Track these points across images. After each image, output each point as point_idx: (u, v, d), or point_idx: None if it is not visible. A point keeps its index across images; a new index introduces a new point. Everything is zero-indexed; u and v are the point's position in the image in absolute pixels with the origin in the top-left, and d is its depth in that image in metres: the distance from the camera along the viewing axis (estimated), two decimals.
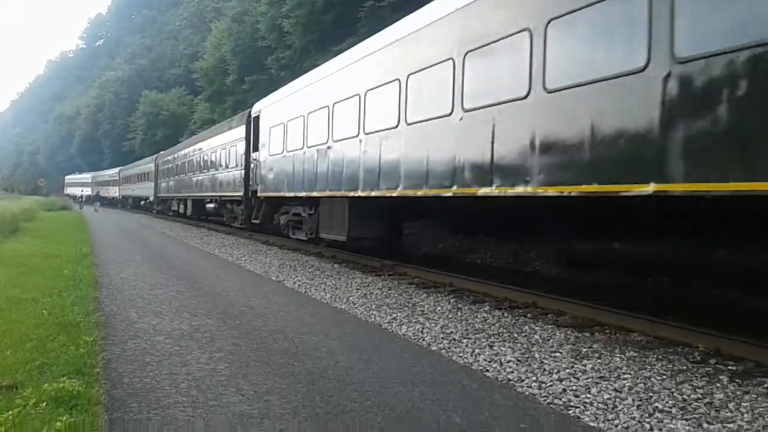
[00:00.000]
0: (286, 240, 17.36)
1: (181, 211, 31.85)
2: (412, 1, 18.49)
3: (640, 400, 4.42)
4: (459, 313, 7.62)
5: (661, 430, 3.92)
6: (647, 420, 4.07)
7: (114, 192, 60.62)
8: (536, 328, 6.75)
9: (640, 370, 5.14)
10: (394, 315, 7.53)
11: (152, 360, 5.32)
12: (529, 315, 7.47)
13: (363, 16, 21.72)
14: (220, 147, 23.71)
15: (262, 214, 18.02)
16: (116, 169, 60.66)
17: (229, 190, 22.00)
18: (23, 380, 4.49)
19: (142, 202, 45.33)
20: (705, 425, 3.97)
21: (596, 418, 4.12)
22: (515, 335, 6.44)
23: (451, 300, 8.52)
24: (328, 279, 10.63)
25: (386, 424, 3.98)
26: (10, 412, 3.82)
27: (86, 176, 72.09)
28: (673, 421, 4.04)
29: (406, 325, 7.00)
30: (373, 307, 8.07)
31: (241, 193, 19.97)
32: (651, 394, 4.56)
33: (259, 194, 17.71)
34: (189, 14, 66.54)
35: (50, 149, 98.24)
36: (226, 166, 22.61)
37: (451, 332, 6.60)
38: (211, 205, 25.88)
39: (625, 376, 4.98)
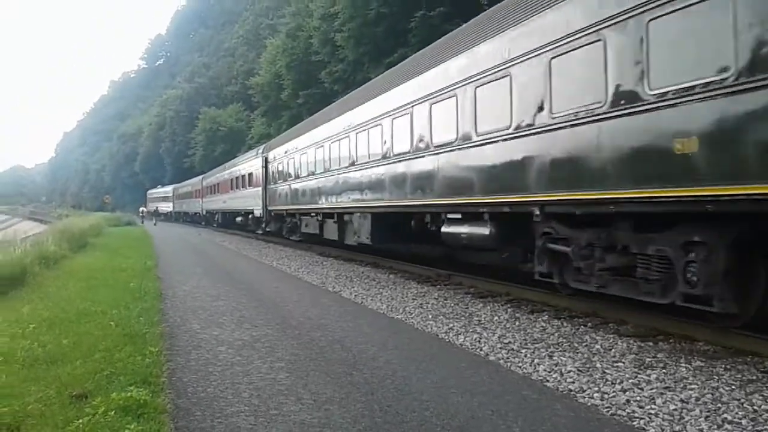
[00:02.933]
0: (342, 251, 17.55)
1: (220, 221, 39.21)
2: (462, 12, 18.57)
3: (708, 412, 4.28)
4: (517, 323, 7.53)
5: None
6: None
7: (169, 207, 64.44)
8: (597, 337, 6.62)
9: (708, 380, 4.97)
10: (451, 325, 7.50)
11: (215, 370, 5.46)
12: (589, 324, 7.32)
13: (414, 26, 21.79)
14: (245, 171, 29.83)
15: (273, 224, 24.85)
16: (171, 187, 64.40)
17: (252, 205, 27.81)
18: (92, 389, 4.68)
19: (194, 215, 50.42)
20: None
21: (662, 430, 4.01)
22: (575, 345, 6.32)
23: (509, 309, 8.43)
24: (384, 289, 10.67)
25: None
26: (81, 421, 3.99)
27: (167, 189, 69.10)
28: None
29: (463, 334, 6.97)
30: (430, 317, 8.06)
31: (260, 208, 26.13)
32: (719, 405, 4.41)
33: (269, 209, 24.85)
34: (245, 32, 68.10)
35: (115, 167, 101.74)
36: (249, 186, 28.66)
37: (509, 342, 6.53)
38: (239, 218, 32.16)
39: (692, 386, 4.82)
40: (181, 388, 4.92)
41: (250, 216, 28.48)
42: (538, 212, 7.84)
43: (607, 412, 4.39)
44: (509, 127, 8.32)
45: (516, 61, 8.13)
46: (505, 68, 8.41)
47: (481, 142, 9.07)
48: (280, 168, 23.04)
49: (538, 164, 7.78)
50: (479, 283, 10.49)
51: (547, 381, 5.16)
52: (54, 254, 15.27)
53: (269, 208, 25.00)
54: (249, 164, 29.18)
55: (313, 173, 18.16)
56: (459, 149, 9.71)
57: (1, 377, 5.02)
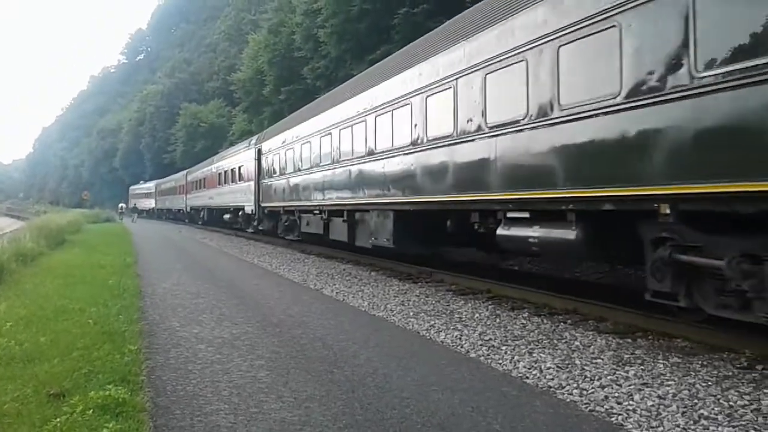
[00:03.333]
0: (324, 248, 17.49)
1: (206, 219, 37.38)
2: (445, 8, 18.59)
3: (685, 407, 4.33)
4: (497, 320, 7.57)
5: None
6: (692, 427, 3.99)
7: (151, 204, 62.68)
8: (576, 334, 6.67)
9: (685, 376, 5.03)
10: (432, 322, 7.52)
11: (194, 368, 5.43)
12: (569, 321, 7.38)
13: (397, 23, 21.77)
14: (235, 165, 27.93)
15: (266, 221, 23.22)
16: (153, 183, 62.75)
17: (242, 201, 26.01)
18: (70, 388, 4.63)
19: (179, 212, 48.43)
20: None
21: (639, 426, 4.06)
22: (555, 342, 6.37)
23: (489, 307, 8.47)
24: (365, 287, 10.67)
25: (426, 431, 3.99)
26: (58, 420, 3.95)
27: (150, 185, 66.30)
28: (720, 428, 3.96)
29: (444, 332, 6.99)
30: (411, 314, 8.08)
31: (252, 204, 24.37)
32: (696, 400, 4.47)
33: (263, 205, 23.05)
34: (226, 27, 67.63)
35: (94, 163, 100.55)
36: (239, 180, 26.92)
37: (490, 339, 6.56)
38: (227, 215, 30.26)
39: (669, 382, 4.88)
40: (161, 387, 4.88)
41: (239, 213, 26.72)
42: (668, 211, 5.79)
43: (586, 408, 4.43)
44: (618, 94, 6.19)
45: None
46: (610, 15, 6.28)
47: (568, 117, 6.97)
48: (276, 160, 20.72)
49: (671, 144, 5.65)
50: (460, 280, 10.52)
51: (527, 378, 5.19)
52: (31, 251, 15.08)
53: (262, 204, 22.83)
54: (239, 157, 27.17)
55: (318, 165, 16.01)
56: (530, 129, 7.60)
57: None
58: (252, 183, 23.88)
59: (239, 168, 26.67)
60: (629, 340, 6.33)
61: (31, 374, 5.00)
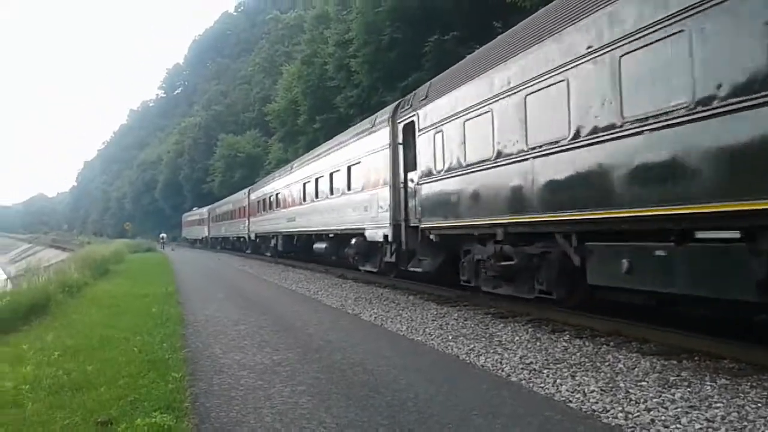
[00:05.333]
0: (360, 273, 17.42)
1: (282, 248, 27.07)
2: (476, 35, 18.72)
3: (734, 430, 4.22)
4: (538, 343, 7.48)
5: None
6: None
7: (203, 232, 55.50)
8: (620, 356, 6.55)
9: (733, 398, 4.91)
10: (472, 346, 7.48)
11: (237, 394, 5.49)
12: (611, 343, 7.26)
13: (428, 51, 21.99)
14: (341, 164, 17.90)
15: (428, 254, 12.55)
16: (206, 209, 54.75)
17: (359, 221, 16.02)
18: (117, 416, 4.74)
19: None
20: None
21: None
22: (598, 364, 6.27)
23: (530, 329, 8.38)
24: (403, 311, 10.66)
25: None
26: None
27: (203, 211, 57.34)
28: None
29: (484, 355, 6.94)
30: (450, 338, 8.04)
31: (386, 224, 14.03)
32: (746, 423, 4.35)
33: (422, 225, 12.16)
34: (261, 59, 68.97)
35: (135, 194, 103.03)
36: (352, 188, 16.88)
37: (531, 362, 6.49)
38: (321, 245, 20.46)
39: (717, 404, 4.77)
40: (204, 413, 4.95)
41: (353, 241, 16.73)
42: None
43: None
44: None
45: None
46: None
47: None
48: (444, 143, 11.28)
49: None
50: (499, 303, 10.44)
51: (570, 401, 5.12)
52: (76, 282, 15.46)
53: (413, 222, 12.85)
54: (353, 150, 16.83)
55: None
56: None
57: (28, 405, 5.09)
58: (382, 190, 14.36)
59: (351, 167, 17.08)
60: (674, 362, 6.20)
61: (79, 402, 5.13)
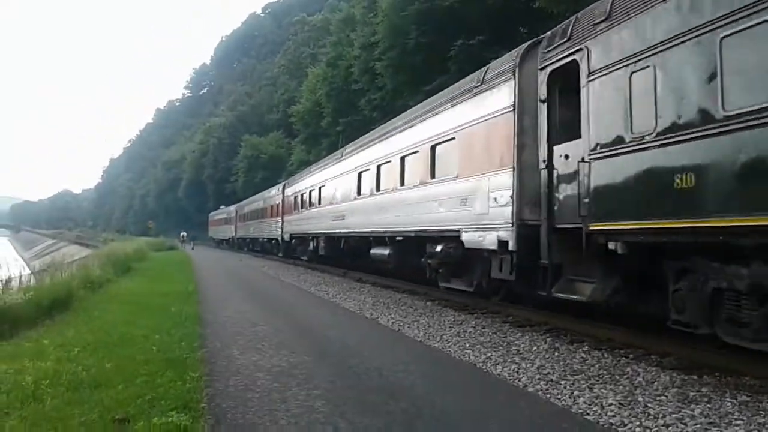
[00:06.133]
0: (379, 277, 17.34)
1: (325, 251, 22.50)
2: (501, 38, 18.68)
3: None
4: (556, 353, 7.41)
5: None
6: None
7: (230, 232, 51.72)
8: (639, 369, 6.47)
9: (754, 416, 4.81)
10: (489, 354, 7.43)
11: (253, 396, 5.50)
12: (631, 356, 7.15)
13: (454, 54, 21.97)
14: (406, 150, 14.30)
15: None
16: (234, 207, 51.20)
17: (447, 220, 11.79)
18: (135, 414, 4.77)
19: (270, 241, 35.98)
20: None
21: None
22: (617, 377, 6.19)
23: (548, 339, 8.30)
24: (420, 317, 10.63)
25: None
26: None
27: (230, 209, 53.23)
28: None
29: (501, 364, 6.89)
30: (467, 345, 7.99)
31: (497, 225, 9.96)
32: None
33: (591, 227, 7.69)
34: (286, 61, 69.49)
35: (159, 193, 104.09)
36: (430, 178, 12.85)
37: (548, 373, 6.43)
38: (383, 251, 15.65)
39: (737, 422, 4.68)
40: (220, 414, 4.97)
41: (438, 247, 12.12)
42: None
43: None
44: None
45: None
46: None
47: None
48: (657, 86, 6.64)
49: None
50: (518, 312, 10.37)
51: (588, 414, 5.05)
52: (99, 278, 15.67)
53: (564, 222, 8.51)
54: (445, 120, 12.24)
55: None
56: None
57: (47, 400, 5.15)
58: (498, 174, 10.14)
59: (437, 147, 12.80)
60: (695, 377, 6.09)
61: (97, 399, 5.17)
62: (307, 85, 42.77)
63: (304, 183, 26.56)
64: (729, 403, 5.16)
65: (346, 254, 20.43)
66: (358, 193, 18.09)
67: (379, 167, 16.35)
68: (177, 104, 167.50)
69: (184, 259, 34.34)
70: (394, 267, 15.69)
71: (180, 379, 5.78)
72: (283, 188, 31.61)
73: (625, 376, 6.21)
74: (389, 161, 15.55)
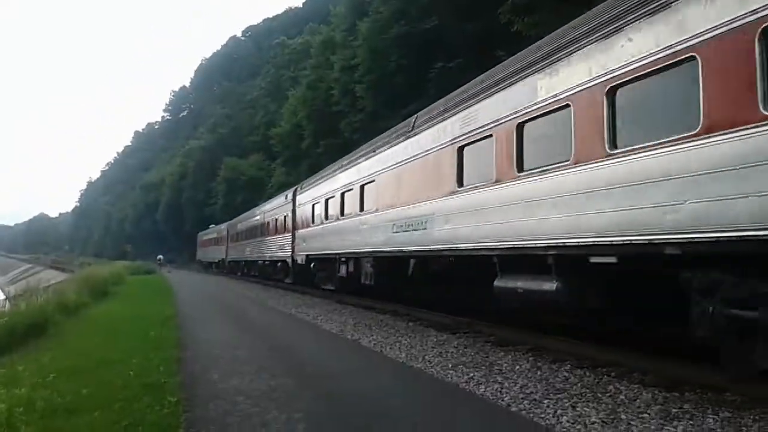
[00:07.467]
0: (361, 299, 17.29)
1: (373, 282, 15.18)
2: (480, 63, 18.86)
3: None
4: (539, 372, 7.40)
5: None
6: None
7: (220, 254, 45.54)
8: (621, 387, 6.47)
9: None
10: (471, 374, 7.39)
11: (233, 421, 5.41)
12: (613, 374, 7.16)
13: (433, 77, 22.19)
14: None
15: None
16: (225, 225, 45.63)
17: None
18: None
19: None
20: None
21: None
22: (599, 395, 6.19)
23: (530, 358, 8.29)
24: (402, 337, 10.57)
25: None
26: None
27: (221, 228, 47.51)
28: None
29: (484, 384, 6.86)
30: (450, 366, 7.95)
31: None
32: None
33: None
34: (266, 84, 69.61)
35: (136, 216, 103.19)
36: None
37: (532, 392, 6.41)
38: (525, 284, 8.76)
39: None
40: None
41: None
42: None
43: None
44: None
45: None
46: None
47: None
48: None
49: None
50: (499, 331, 10.36)
51: None
52: (75, 303, 15.41)
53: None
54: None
55: None
56: None
57: (21, 428, 5.01)
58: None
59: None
60: (676, 394, 6.11)
61: (73, 426, 5.06)
62: (287, 108, 42.88)
63: (330, 185, 19.29)
64: (711, 419, 5.17)
65: (415, 282, 13.84)
66: (460, 183, 10.65)
67: (522, 128, 8.91)
68: (156, 127, 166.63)
69: (162, 283, 33.93)
70: (560, 312, 8.80)
71: (158, 404, 5.68)
72: (294, 195, 24.43)
73: (607, 394, 6.21)
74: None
